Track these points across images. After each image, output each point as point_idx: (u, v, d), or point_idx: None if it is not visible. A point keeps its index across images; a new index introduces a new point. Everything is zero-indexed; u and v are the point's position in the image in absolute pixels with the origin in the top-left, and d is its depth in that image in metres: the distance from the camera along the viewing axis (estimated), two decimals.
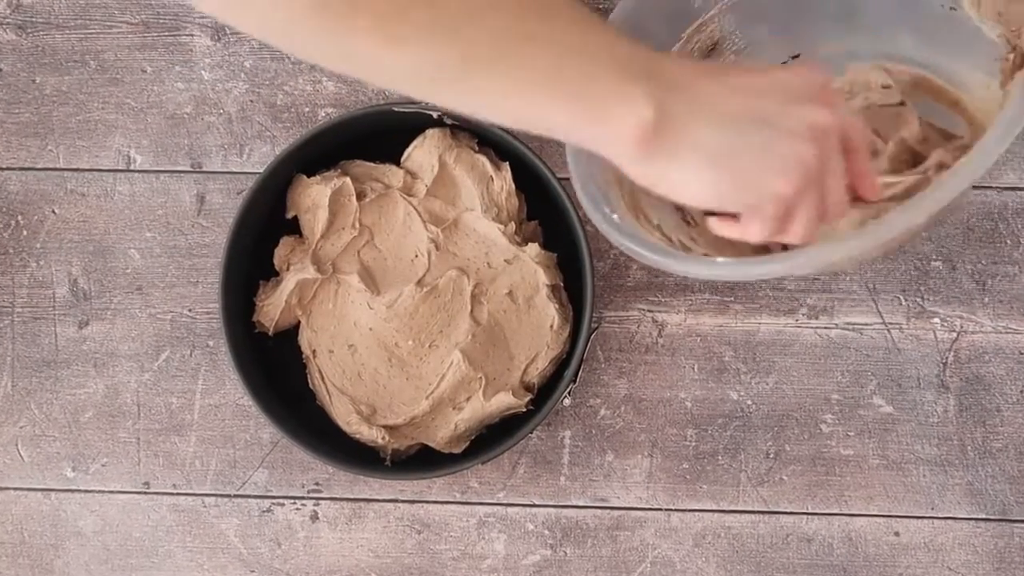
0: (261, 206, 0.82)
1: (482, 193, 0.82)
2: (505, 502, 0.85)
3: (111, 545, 0.86)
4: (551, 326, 0.81)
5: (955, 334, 0.83)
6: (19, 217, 0.88)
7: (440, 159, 0.82)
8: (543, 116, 0.52)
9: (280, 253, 0.83)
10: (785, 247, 0.63)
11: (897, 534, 0.83)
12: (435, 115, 0.81)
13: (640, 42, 0.53)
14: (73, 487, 0.87)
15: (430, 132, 0.83)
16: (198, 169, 0.87)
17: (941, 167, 0.70)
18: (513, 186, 0.82)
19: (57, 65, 0.89)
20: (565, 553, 0.84)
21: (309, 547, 0.85)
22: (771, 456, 0.83)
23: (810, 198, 0.56)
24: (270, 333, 0.83)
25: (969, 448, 0.82)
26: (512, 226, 0.81)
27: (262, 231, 0.83)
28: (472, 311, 0.81)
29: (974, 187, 0.83)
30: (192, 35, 0.88)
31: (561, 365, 0.82)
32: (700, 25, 0.76)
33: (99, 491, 0.87)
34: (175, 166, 0.88)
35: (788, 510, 0.83)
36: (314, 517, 0.85)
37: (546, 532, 0.84)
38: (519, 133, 0.79)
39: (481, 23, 0.49)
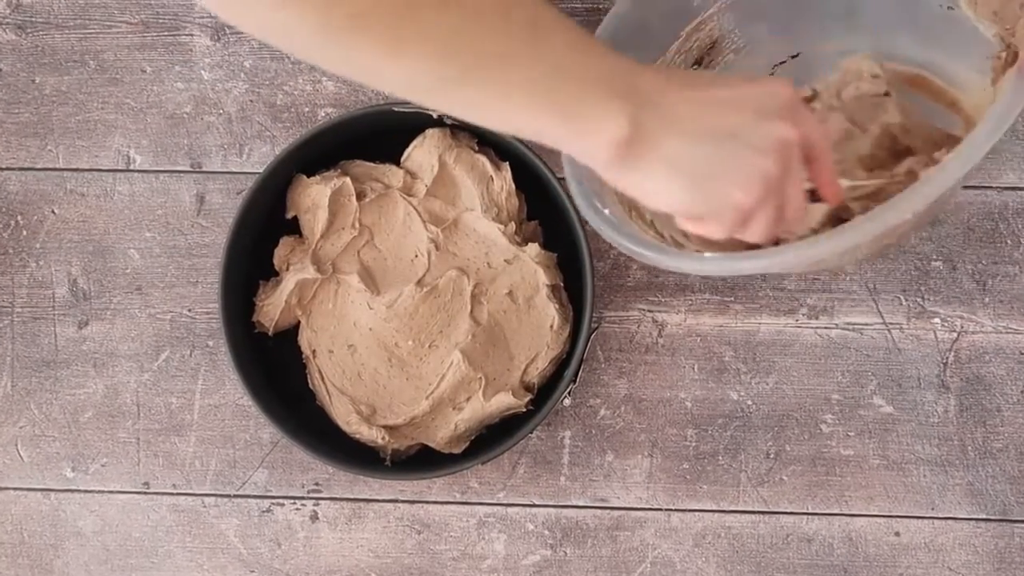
0: (261, 206, 0.82)
1: (482, 193, 0.82)
2: (505, 502, 0.85)
3: (111, 545, 0.86)
4: (551, 326, 0.81)
5: (955, 334, 0.83)
6: (19, 217, 0.88)
7: (440, 159, 0.82)
8: (532, 127, 0.56)
9: (280, 253, 0.83)
10: (778, 242, 0.64)
11: (897, 534, 0.82)
12: (435, 115, 0.81)
13: (625, 53, 0.58)
14: (73, 487, 0.87)
15: (430, 132, 0.83)
16: (198, 169, 0.87)
17: (910, 174, 0.71)
18: (513, 186, 0.82)
19: (57, 65, 0.89)
20: (565, 553, 0.84)
21: (309, 547, 0.85)
22: (771, 456, 0.83)
23: (769, 205, 0.60)
24: (270, 333, 0.83)
25: (969, 448, 0.82)
26: (512, 226, 0.81)
27: (262, 231, 0.83)
28: (472, 311, 0.81)
29: (974, 187, 0.83)
30: (192, 35, 0.88)
31: (561, 365, 0.82)
32: (699, 23, 0.76)
33: (99, 491, 0.87)
34: (175, 166, 0.88)
35: (788, 510, 0.83)
36: (314, 517, 0.85)
37: (546, 532, 0.84)
38: None
39: (478, 41, 0.53)
